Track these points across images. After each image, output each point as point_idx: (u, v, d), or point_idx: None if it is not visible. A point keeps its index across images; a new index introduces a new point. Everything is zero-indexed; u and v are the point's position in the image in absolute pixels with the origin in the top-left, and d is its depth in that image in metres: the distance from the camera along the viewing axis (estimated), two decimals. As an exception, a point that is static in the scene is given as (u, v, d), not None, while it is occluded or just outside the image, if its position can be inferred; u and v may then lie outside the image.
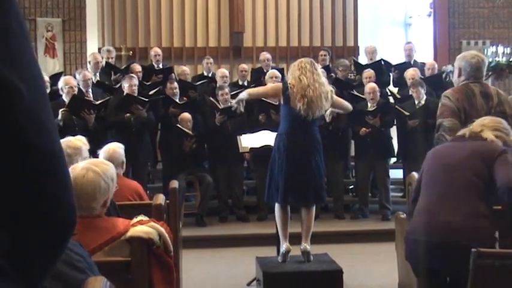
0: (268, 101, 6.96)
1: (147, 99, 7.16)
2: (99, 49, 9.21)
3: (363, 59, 9.41)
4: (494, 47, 8.96)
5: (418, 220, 3.20)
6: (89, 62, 8.05)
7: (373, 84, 7.66)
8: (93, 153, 4.07)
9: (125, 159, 4.34)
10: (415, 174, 4.31)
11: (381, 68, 8.50)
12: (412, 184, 4.28)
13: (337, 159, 7.69)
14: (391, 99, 8.38)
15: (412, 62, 8.63)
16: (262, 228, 6.89)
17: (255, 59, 9.78)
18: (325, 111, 5.00)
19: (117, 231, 2.60)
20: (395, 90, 8.58)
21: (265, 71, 8.38)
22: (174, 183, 4.20)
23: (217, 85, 7.95)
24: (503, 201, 2.96)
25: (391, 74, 8.78)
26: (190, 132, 7.35)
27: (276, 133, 5.12)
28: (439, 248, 3.00)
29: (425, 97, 7.58)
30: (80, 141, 3.82)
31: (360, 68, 8.69)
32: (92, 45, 9.65)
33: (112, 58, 8.40)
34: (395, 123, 7.89)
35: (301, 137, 4.90)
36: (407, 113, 7.49)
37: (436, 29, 10.49)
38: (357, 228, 7.25)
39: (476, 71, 4.14)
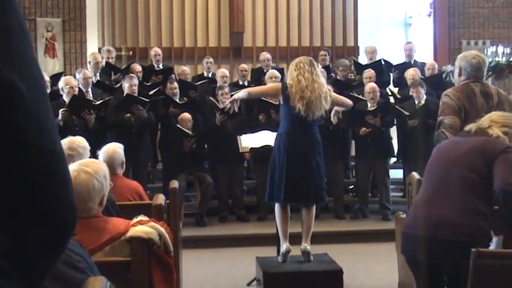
0: (268, 100, 6.96)
1: (147, 100, 7.17)
2: (99, 49, 9.21)
3: (363, 59, 9.41)
4: (494, 47, 8.96)
5: (412, 213, 3.22)
6: (89, 62, 8.04)
7: (373, 84, 7.66)
8: (93, 153, 4.08)
9: (124, 159, 4.34)
10: (415, 174, 4.32)
11: (381, 68, 8.50)
12: (412, 184, 4.29)
13: (337, 159, 7.69)
14: (392, 99, 8.38)
15: (412, 62, 8.64)
16: (262, 228, 6.90)
17: (255, 59, 9.78)
18: (325, 111, 4.98)
19: (117, 231, 2.60)
20: (395, 90, 8.59)
21: (265, 71, 8.39)
22: (174, 183, 4.20)
23: (218, 85, 7.95)
24: (499, 203, 2.94)
25: (391, 74, 8.78)
26: (190, 132, 7.35)
27: (276, 133, 5.12)
28: (427, 242, 3.00)
29: (425, 97, 7.58)
30: (84, 141, 3.84)
31: (360, 68, 8.70)
32: (92, 45, 9.66)
33: (112, 58, 8.40)
34: (395, 123, 7.89)
35: (301, 137, 4.89)
36: (407, 113, 7.50)
37: (436, 29, 10.50)
38: (357, 228, 7.25)
39: (476, 71, 4.14)
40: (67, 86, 6.84)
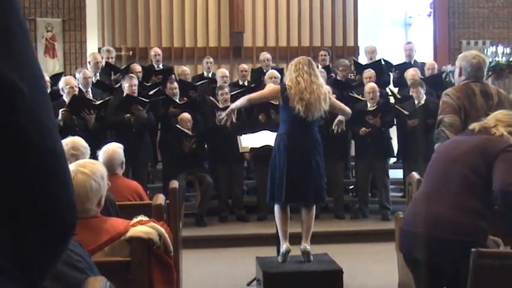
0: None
1: (147, 100, 7.17)
2: (99, 49, 9.21)
3: (363, 59, 9.41)
4: (494, 47, 8.96)
5: (411, 210, 3.22)
6: (89, 62, 8.04)
7: (373, 84, 7.66)
8: (93, 153, 4.08)
9: (124, 159, 4.34)
10: (415, 174, 4.32)
11: (381, 68, 8.50)
12: (412, 184, 4.29)
13: (337, 159, 7.69)
14: (392, 99, 8.38)
15: (412, 62, 8.64)
16: (262, 228, 6.90)
17: (255, 59, 9.78)
18: (325, 112, 4.97)
19: (117, 231, 2.60)
20: (395, 90, 8.59)
21: (265, 71, 8.38)
22: (174, 183, 4.19)
23: (218, 85, 7.94)
24: (498, 204, 2.91)
25: (391, 74, 8.78)
26: (189, 132, 7.35)
27: (276, 133, 5.12)
28: (425, 240, 3.00)
29: (425, 97, 7.58)
30: (83, 141, 3.84)
31: (360, 68, 8.70)
32: (92, 45, 9.66)
33: (112, 58, 8.40)
34: (395, 123, 7.89)
35: (301, 138, 4.89)
36: (406, 113, 7.50)
37: (436, 29, 10.50)
38: (357, 228, 7.25)
39: (477, 71, 4.15)
40: (67, 86, 6.84)
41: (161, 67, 8.63)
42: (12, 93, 0.79)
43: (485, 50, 8.92)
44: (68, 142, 3.69)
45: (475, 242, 2.74)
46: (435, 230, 2.93)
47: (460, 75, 4.22)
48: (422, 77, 8.02)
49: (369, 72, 8.07)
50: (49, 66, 9.38)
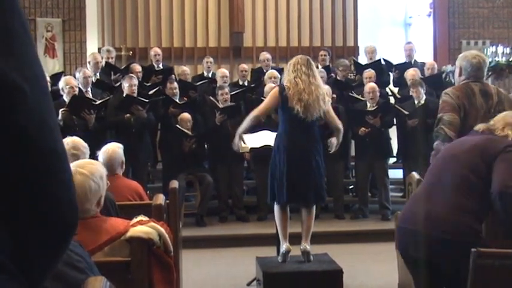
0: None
1: (147, 100, 7.17)
2: (99, 49, 9.21)
3: (363, 59, 9.41)
4: (494, 47, 8.96)
5: (406, 208, 3.22)
6: (89, 62, 8.04)
7: (372, 84, 7.66)
8: (93, 153, 4.09)
9: (124, 159, 4.34)
10: (415, 174, 4.31)
11: (381, 68, 8.50)
12: (412, 184, 4.28)
13: (337, 159, 7.67)
14: (392, 99, 8.38)
15: (412, 62, 8.64)
16: (262, 228, 6.90)
17: (255, 59, 9.78)
18: (324, 112, 4.94)
19: (116, 231, 2.60)
20: (395, 90, 8.59)
21: (265, 71, 8.39)
22: (174, 183, 4.19)
23: (218, 85, 7.94)
24: (496, 206, 2.88)
25: (391, 74, 8.78)
26: (189, 132, 7.34)
27: (276, 133, 5.11)
28: (413, 236, 3.00)
29: (425, 97, 7.58)
30: (82, 141, 3.84)
31: (359, 68, 8.70)
32: (92, 45, 9.66)
33: (112, 58, 8.40)
34: (395, 123, 7.89)
35: (300, 137, 4.88)
36: (406, 113, 7.50)
37: (436, 29, 10.50)
38: (357, 228, 7.25)
39: (477, 70, 4.15)
40: (67, 86, 6.84)
41: (161, 67, 8.63)
42: (13, 92, 0.79)
43: (485, 50, 8.92)
44: (68, 142, 3.69)
45: (475, 242, 2.74)
46: (435, 230, 2.92)
47: (460, 75, 4.23)
48: (422, 77, 8.02)
49: (369, 72, 8.07)
50: (49, 66, 9.38)
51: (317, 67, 6.25)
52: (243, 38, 10.19)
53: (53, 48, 9.63)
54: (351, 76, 8.90)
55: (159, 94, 7.74)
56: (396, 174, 8.46)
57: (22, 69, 0.81)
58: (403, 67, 8.44)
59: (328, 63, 8.92)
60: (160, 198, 3.66)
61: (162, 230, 2.67)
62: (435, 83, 8.01)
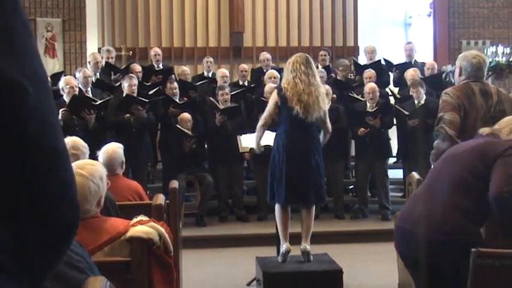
0: (267, 100, 6.93)
1: (146, 100, 7.17)
2: (99, 49, 9.21)
3: (362, 59, 9.41)
4: (494, 47, 8.96)
5: (406, 207, 3.22)
6: (89, 62, 8.04)
7: (372, 84, 7.65)
8: (93, 153, 4.09)
9: (124, 159, 4.34)
10: (415, 174, 4.32)
11: (381, 68, 8.50)
12: (412, 184, 4.28)
13: (337, 159, 7.69)
14: (392, 99, 8.38)
15: (412, 62, 8.64)
16: (262, 228, 6.89)
17: (255, 59, 9.78)
18: (324, 112, 4.93)
19: (116, 231, 2.60)
20: (395, 90, 8.59)
21: (265, 71, 8.39)
22: (174, 183, 4.19)
23: (218, 85, 7.94)
24: (493, 211, 2.87)
25: (391, 74, 8.78)
26: (189, 132, 7.34)
27: (275, 133, 5.11)
28: (411, 236, 3.00)
29: (425, 97, 7.58)
30: (82, 141, 3.84)
31: (359, 68, 8.69)
32: (92, 45, 9.66)
33: (112, 58, 8.40)
34: (395, 123, 7.89)
35: (300, 137, 4.88)
36: (406, 113, 7.50)
37: (436, 29, 10.50)
38: (357, 228, 7.25)
39: (477, 70, 4.15)
40: (67, 86, 6.84)
41: (161, 67, 8.63)
42: (15, 91, 0.79)
43: (485, 50, 8.92)
44: (68, 142, 3.69)
45: (475, 242, 2.74)
46: (433, 230, 2.92)
47: (460, 75, 4.23)
48: (422, 77, 8.02)
49: (369, 72, 8.07)
50: (49, 66, 9.38)
51: (317, 67, 6.25)
52: (243, 38, 10.19)
53: (53, 48, 9.63)
54: (351, 76, 8.90)
55: (159, 94, 7.74)
56: (396, 174, 8.46)
57: (23, 68, 0.81)
58: (403, 67, 8.44)
59: (328, 63, 8.92)
60: (160, 198, 3.66)
61: (162, 230, 2.67)
62: (435, 83, 8.01)
